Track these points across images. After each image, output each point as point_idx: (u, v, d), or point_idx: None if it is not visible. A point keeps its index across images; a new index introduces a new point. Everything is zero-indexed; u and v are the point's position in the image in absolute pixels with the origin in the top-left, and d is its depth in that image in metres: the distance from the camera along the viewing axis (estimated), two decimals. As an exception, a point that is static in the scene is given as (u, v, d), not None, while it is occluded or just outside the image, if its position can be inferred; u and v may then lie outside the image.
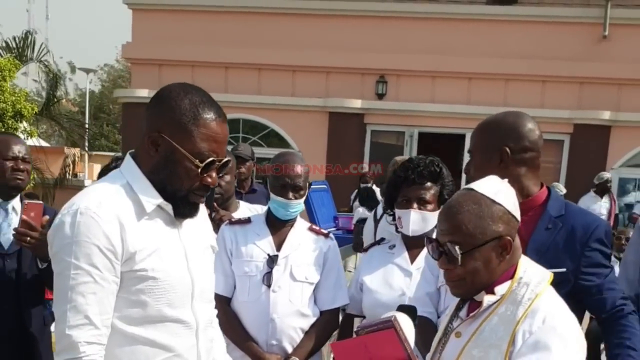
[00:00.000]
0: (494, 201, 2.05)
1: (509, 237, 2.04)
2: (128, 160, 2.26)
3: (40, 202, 3.42)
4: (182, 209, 2.24)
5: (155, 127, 2.17)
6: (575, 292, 2.66)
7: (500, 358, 1.98)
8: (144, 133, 2.20)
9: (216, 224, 3.60)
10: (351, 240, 6.31)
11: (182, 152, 2.14)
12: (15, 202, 3.56)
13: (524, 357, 1.94)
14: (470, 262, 2.05)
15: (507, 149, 2.71)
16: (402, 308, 2.45)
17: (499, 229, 2.04)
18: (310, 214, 9.21)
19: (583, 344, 2.03)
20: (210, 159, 2.17)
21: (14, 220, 3.49)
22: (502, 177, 2.42)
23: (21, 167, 3.50)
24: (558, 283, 2.58)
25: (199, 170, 2.16)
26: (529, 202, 2.73)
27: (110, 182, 2.21)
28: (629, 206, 14.22)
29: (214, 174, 2.22)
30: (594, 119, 13.95)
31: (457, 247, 2.04)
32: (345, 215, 10.26)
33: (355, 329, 2.14)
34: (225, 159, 2.24)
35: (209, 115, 2.17)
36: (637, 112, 13.84)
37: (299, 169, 3.40)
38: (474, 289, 2.11)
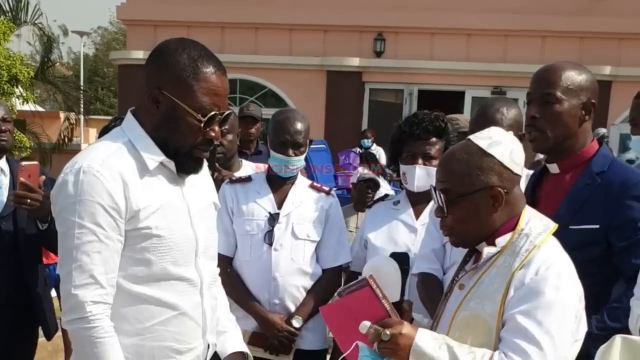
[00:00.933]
0: (485, 152, 2.05)
1: (499, 188, 2.03)
2: (129, 117, 2.24)
3: (36, 162, 3.40)
4: (187, 165, 2.22)
5: (155, 84, 2.14)
6: (609, 253, 2.60)
7: (495, 309, 1.99)
8: (144, 90, 2.18)
9: (218, 184, 3.56)
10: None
11: (184, 107, 2.12)
12: (2, 163, 3.57)
13: (516, 308, 1.94)
14: (458, 211, 2.08)
15: (594, 102, 2.67)
16: (394, 255, 2.47)
17: (488, 180, 2.04)
18: (309, 174, 9.19)
19: (578, 295, 2.02)
20: (212, 112, 2.15)
21: (4, 182, 3.51)
22: (579, 128, 2.58)
23: (2, 127, 3.52)
24: (590, 242, 2.57)
25: (202, 124, 2.14)
26: (578, 156, 2.70)
27: (112, 140, 2.19)
28: (630, 162, 14.09)
29: (216, 128, 2.20)
30: (595, 74, 13.60)
31: (443, 195, 2.08)
32: (345, 173, 10.21)
33: (336, 292, 2.17)
34: (227, 112, 2.23)
35: (209, 69, 2.15)
36: (638, 66, 13.78)
37: (299, 125, 3.37)
38: (468, 238, 2.14)
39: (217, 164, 3.58)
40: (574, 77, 2.64)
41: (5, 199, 3.39)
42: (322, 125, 14.65)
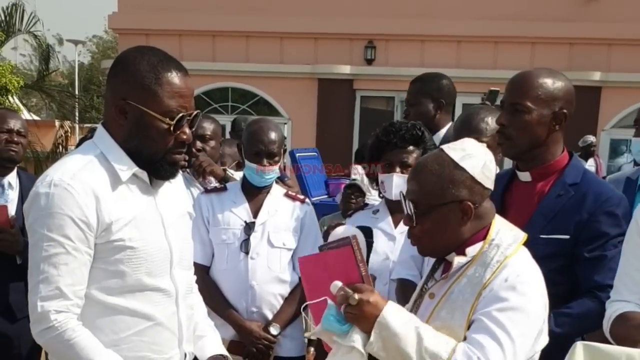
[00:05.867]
0: (457, 165, 2.04)
1: (469, 202, 2.03)
2: (100, 130, 2.26)
3: (4, 204, 3.43)
4: (162, 171, 2.23)
5: (119, 94, 2.17)
6: (573, 262, 2.61)
7: (463, 320, 1.99)
8: (110, 103, 2.20)
9: (196, 170, 3.68)
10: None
11: (151, 114, 2.14)
12: (12, 178, 3.60)
13: (482, 310, 1.95)
14: (426, 223, 2.07)
15: (565, 112, 2.65)
16: (360, 228, 2.47)
17: (459, 193, 2.03)
18: (300, 182, 9.20)
19: (544, 304, 2.03)
20: (180, 114, 2.16)
21: (11, 196, 3.54)
22: (548, 137, 2.55)
23: (15, 139, 3.56)
24: (560, 253, 2.56)
25: (171, 128, 2.15)
26: (550, 166, 2.70)
27: (83, 153, 2.21)
28: (621, 168, 14.13)
29: (187, 130, 2.21)
30: (584, 80, 13.84)
31: (412, 206, 2.06)
32: (337, 181, 10.17)
33: (318, 247, 2.17)
34: (195, 112, 2.24)
35: (170, 72, 2.16)
36: (628, 72, 13.81)
37: (272, 135, 3.38)
38: (436, 249, 2.14)
39: (194, 150, 3.66)
40: (547, 86, 2.61)
41: (13, 214, 3.41)
42: (314, 133, 14.68)
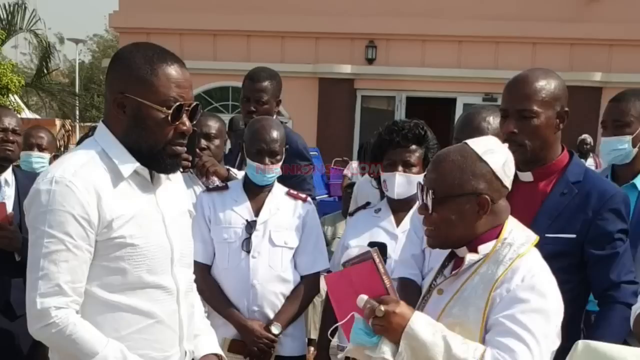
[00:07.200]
0: (480, 158, 2.06)
1: (487, 196, 2.04)
2: (101, 127, 2.25)
3: (2, 201, 3.43)
4: (163, 164, 2.22)
5: (117, 89, 2.17)
6: (584, 262, 2.62)
7: (479, 316, 1.99)
8: (109, 100, 2.20)
9: (199, 170, 3.67)
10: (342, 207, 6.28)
11: (148, 104, 2.13)
12: (7, 175, 3.61)
13: (502, 312, 1.95)
14: (443, 211, 2.08)
15: (567, 110, 2.67)
16: (371, 245, 2.47)
17: (478, 186, 2.04)
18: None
19: (561, 305, 2.04)
20: (178, 103, 2.15)
21: (7, 193, 3.54)
22: (553, 138, 2.52)
23: (11, 138, 3.57)
24: (566, 251, 2.57)
25: (169, 117, 2.14)
26: (552, 165, 2.70)
27: (85, 150, 2.21)
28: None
29: (186, 121, 2.20)
30: (585, 81, 13.88)
31: (431, 192, 2.07)
32: (337, 182, 10.22)
33: (342, 262, 2.17)
34: (195, 103, 2.23)
35: (166, 63, 2.16)
36: (628, 72, 13.80)
37: (274, 134, 3.38)
38: (448, 240, 2.14)
39: (197, 150, 3.63)
40: (547, 87, 2.62)
41: (11, 210, 3.41)
42: (315, 132, 14.68)
